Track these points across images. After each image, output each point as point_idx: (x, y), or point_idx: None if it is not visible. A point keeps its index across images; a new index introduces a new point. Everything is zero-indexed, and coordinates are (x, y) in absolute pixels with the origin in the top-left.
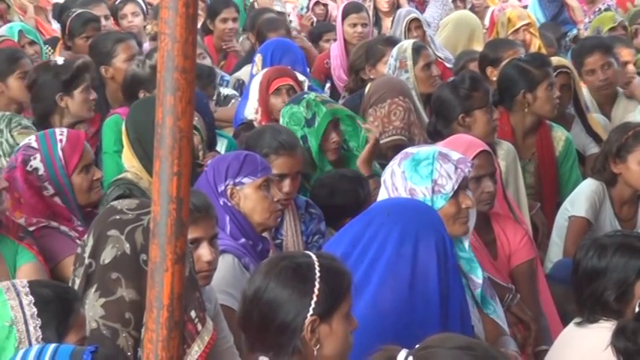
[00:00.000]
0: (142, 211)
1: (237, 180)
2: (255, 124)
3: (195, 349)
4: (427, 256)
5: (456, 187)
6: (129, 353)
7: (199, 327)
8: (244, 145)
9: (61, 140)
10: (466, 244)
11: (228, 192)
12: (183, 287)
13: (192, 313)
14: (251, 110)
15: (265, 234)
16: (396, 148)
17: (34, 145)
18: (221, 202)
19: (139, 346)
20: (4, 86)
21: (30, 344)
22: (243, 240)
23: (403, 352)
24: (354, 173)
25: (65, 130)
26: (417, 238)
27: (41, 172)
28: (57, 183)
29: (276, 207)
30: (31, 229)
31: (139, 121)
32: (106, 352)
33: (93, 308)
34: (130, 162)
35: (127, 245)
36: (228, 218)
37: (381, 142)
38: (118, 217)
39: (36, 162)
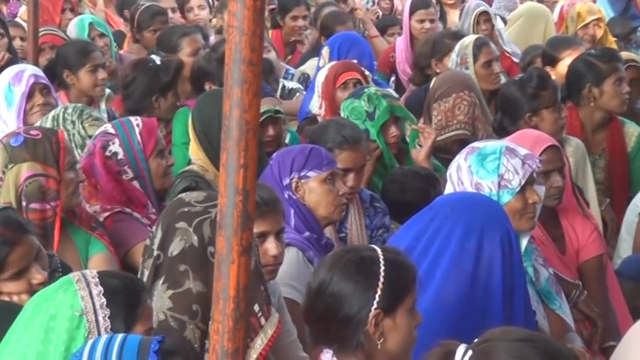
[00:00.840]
0: (210, 203)
1: (302, 173)
2: (320, 118)
3: (259, 343)
4: (492, 250)
5: (523, 183)
6: (196, 345)
7: (263, 321)
8: (308, 139)
9: (137, 125)
10: (524, 241)
11: (293, 185)
12: (249, 279)
13: (256, 307)
14: (316, 104)
15: (328, 230)
16: (461, 142)
17: (111, 131)
18: (286, 196)
19: (206, 338)
20: (75, 79)
21: (99, 334)
22: (307, 233)
23: (462, 347)
24: (426, 172)
25: (138, 117)
26: (482, 233)
27: (120, 156)
28: (136, 166)
29: (341, 201)
30: (106, 214)
31: (205, 113)
32: (173, 342)
33: (161, 300)
34: (196, 154)
35: (195, 237)
36: (292, 212)
37: (444, 136)
38: (186, 209)
39: (115, 147)
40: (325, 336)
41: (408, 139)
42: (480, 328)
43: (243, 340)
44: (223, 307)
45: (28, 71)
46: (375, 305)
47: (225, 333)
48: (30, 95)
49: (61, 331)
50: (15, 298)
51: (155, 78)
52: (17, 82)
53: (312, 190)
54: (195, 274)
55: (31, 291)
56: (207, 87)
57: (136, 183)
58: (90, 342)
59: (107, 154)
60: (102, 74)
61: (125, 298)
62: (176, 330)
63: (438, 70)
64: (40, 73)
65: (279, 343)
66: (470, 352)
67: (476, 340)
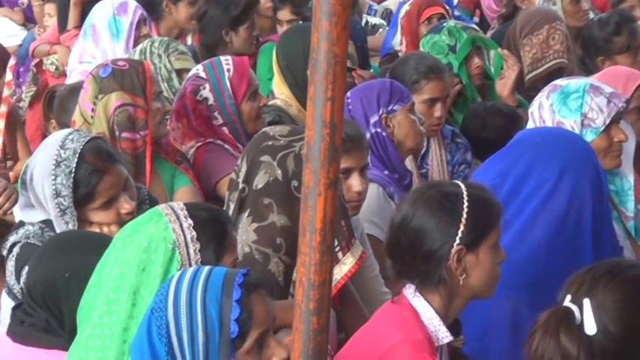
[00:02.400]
0: (294, 137)
1: (389, 108)
2: (400, 55)
3: (336, 272)
4: (583, 190)
5: (608, 122)
6: (279, 278)
7: (340, 256)
8: (389, 73)
9: (228, 70)
10: (618, 178)
11: (383, 121)
12: (336, 212)
13: (334, 242)
14: (397, 40)
15: (410, 166)
16: (548, 78)
17: (202, 74)
18: (367, 134)
19: (289, 271)
20: (175, 9)
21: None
22: (386, 172)
23: (570, 304)
24: (510, 110)
25: (230, 58)
26: (575, 173)
27: (211, 101)
28: (226, 113)
29: (422, 131)
30: (199, 144)
31: (289, 48)
32: (257, 275)
33: (246, 233)
34: (279, 89)
35: (279, 171)
36: (370, 151)
37: (542, 68)
38: (270, 143)
39: (205, 92)
40: (408, 271)
41: (491, 73)
42: (569, 267)
43: (329, 273)
44: (310, 240)
45: (132, 2)
46: (457, 241)
47: (312, 265)
48: (137, 26)
49: (156, 265)
50: (105, 229)
51: (225, 12)
52: (123, 13)
53: (400, 123)
54: (280, 207)
55: (120, 221)
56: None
57: (225, 129)
58: (176, 275)
59: (198, 98)
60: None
61: (213, 231)
62: (260, 263)
63: (523, 7)
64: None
65: (361, 277)
66: (587, 301)
67: (570, 288)
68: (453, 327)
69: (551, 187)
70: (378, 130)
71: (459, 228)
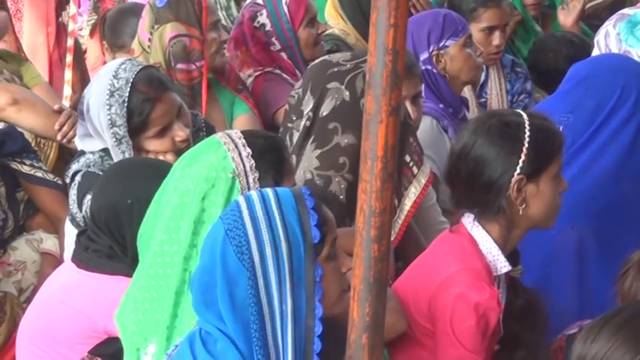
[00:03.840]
0: (360, 59)
1: (441, 44)
2: None
3: (413, 191)
4: None
5: None
6: (341, 196)
7: (415, 170)
8: (448, 3)
9: None
10: None
11: (434, 58)
12: (398, 139)
13: (407, 157)
14: None
15: (469, 96)
16: (612, 8)
17: (259, 1)
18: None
19: (352, 189)
20: None
21: None
22: (441, 105)
23: None
24: (582, 41)
25: None
26: None
27: (268, 27)
28: (283, 38)
29: (480, 62)
30: (257, 73)
31: None
32: (318, 191)
33: (308, 159)
34: (334, 19)
35: (347, 93)
36: (423, 86)
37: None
38: (335, 69)
39: (263, 18)
40: (467, 200)
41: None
42: (634, 198)
43: (390, 200)
44: (371, 167)
45: None
46: (518, 170)
47: (373, 192)
48: None
49: (217, 194)
50: (160, 158)
51: None
52: None
53: (454, 58)
54: (345, 128)
55: (175, 149)
56: None
57: (283, 54)
58: (240, 197)
59: (255, 24)
60: None
61: (271, 158)
62: (321, 187)
63: None
64: None
65: (419, 206)
66: None
67: None
68: (512, 257)
69: (621, 121)
70: (428, 67)
71: (519, 157)
